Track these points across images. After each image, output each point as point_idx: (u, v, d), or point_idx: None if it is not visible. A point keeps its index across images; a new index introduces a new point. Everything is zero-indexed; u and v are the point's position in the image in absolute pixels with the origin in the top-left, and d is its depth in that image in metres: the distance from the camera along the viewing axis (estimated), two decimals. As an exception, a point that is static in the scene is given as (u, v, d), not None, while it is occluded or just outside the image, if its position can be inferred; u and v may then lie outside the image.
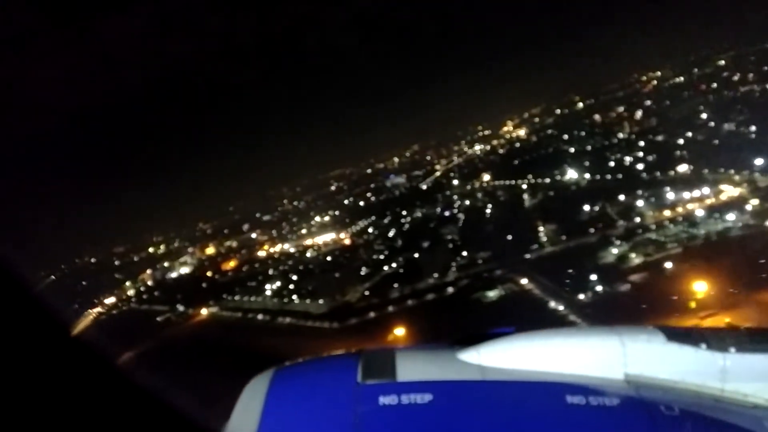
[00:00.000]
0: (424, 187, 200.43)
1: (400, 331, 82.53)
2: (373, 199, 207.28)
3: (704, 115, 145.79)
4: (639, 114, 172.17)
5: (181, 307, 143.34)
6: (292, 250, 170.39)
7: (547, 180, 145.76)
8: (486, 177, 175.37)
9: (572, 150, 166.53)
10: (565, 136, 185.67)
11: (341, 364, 5.75)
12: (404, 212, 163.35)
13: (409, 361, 5.54)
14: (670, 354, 5.60)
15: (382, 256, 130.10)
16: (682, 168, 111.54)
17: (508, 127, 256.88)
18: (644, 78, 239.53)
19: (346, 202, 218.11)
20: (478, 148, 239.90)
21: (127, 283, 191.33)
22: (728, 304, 65.55)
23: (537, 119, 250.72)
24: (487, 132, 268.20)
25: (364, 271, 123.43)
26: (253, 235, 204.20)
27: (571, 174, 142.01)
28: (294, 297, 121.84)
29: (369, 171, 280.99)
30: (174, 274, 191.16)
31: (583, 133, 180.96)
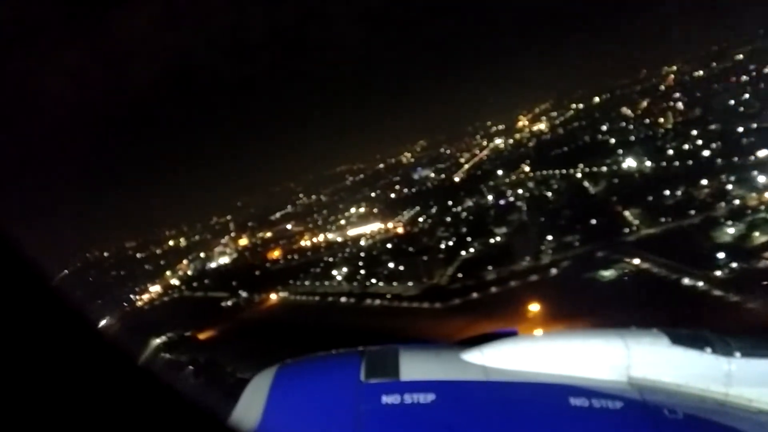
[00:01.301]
0: (457, 179, 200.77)
1: (517, 310, 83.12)
2: (405, 191, 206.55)
3: (757, 104, 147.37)
4: (680, 105, 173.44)
5: (243, 293, 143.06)
6: (339, 239, 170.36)
7: (604, 168, 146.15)
8: (526, 168, 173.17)
9: (613, 141, 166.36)
10: (603, 127, 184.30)
11: (344, 362, 5.85)
12: (450, 202, 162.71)
13: (413, 360, 5.68)
14: (674, 357, 5.69)
15: (450, 243, 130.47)
16: (763, 153, 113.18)
17: (523, 122, 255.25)
18: (658, 72, 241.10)
19: (373, 194, 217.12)
20: (499, 141, 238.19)
21: (167, 273, 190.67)
22: None
23: (554, 113, 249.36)
24: (500, 127, 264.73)
25: (439, 256, 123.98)
26: (288, 227, 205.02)
27: (629, 162, 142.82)
28: (373, 281, 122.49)
29: (382, 166, 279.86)
30: (213, 264, 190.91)
31: (623, 124, 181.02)
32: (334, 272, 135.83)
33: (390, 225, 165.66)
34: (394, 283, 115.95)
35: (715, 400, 5.50)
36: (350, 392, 5.26)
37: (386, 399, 5.13)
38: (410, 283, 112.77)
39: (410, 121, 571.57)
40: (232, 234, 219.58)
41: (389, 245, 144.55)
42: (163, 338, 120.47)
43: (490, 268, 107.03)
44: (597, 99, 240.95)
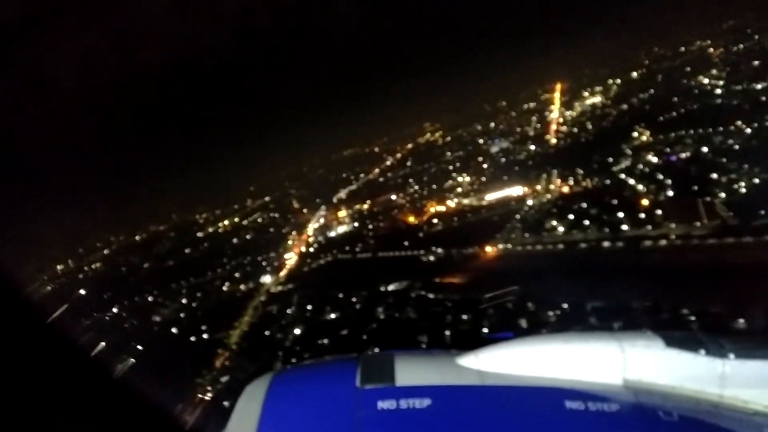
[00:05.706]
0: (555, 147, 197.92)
1: None
2: (503, 160, 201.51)
3: None
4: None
5: (438, 249, 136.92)
6: (484, 203, 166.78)
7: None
8: (643, 131, 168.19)
9: (736, 102, 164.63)
10: (718, 91, 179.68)
11: (340, 368, 6.00)
12: (595, 165, 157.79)
13: (408, 365, 5.80)
14: (669, 360, 5.81)
15: (670, 193, 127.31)
16: None
17: (559, 97, 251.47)
18: (682, 48, 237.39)
19: (458, 164, 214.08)
20: (555, 115, 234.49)
21: (289, 243, 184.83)
22: None
23: (600, 88, 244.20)
24: (531, 105, 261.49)
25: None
26: (393, 197, 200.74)
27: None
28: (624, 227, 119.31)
29: (410, 146, 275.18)
30: (333, 234, 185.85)
31: (735, 88, 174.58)
32: (548, 225, 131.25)
33: (538, 187, 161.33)
34: (671, 225, 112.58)
35: (710, 402, 5.59)
36: (346, 398, 5.31)
37: (382, 404, 5.20)
38: (697, 224, 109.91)
39: (405, 104, 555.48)
40: (302, 209, 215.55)
41: (581, 201, 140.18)
42: (403, 283, 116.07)
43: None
44: (635, 74, 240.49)
